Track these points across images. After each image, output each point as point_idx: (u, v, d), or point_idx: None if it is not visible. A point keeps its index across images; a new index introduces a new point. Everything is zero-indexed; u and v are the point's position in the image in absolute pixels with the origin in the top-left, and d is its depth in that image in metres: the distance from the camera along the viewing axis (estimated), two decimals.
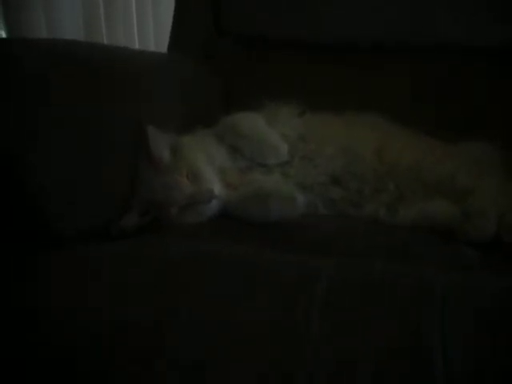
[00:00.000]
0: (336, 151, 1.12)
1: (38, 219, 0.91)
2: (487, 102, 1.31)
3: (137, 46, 2.16)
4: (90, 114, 0.98)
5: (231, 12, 1.49)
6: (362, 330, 0.67)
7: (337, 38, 1.41)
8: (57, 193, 0.92)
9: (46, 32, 2.05)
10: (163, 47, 1.63)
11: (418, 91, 1.35)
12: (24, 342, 0.73)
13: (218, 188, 1.04)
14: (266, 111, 1.19)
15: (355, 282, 0.75)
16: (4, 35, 2.07)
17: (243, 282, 0.77)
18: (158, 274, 0.78)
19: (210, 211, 1.04)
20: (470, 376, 0.64)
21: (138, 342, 0.70)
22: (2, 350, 0.73)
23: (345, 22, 1.40)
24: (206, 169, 1.06)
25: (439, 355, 0.64)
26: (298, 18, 1.41)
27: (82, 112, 0.96)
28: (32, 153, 0.88)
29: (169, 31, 1.56)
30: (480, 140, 1.10)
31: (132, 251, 0.87)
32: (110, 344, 0.71)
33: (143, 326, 0.72)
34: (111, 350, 0.70)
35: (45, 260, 0.85)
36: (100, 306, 0.74)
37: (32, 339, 0.73)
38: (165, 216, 1.02)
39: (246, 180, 1.09)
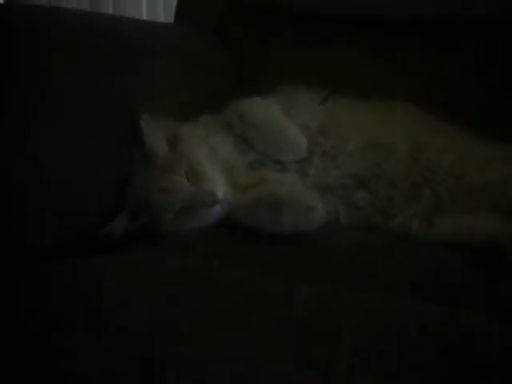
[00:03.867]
0: (363, 147, 0.95)
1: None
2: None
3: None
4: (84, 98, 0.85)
5: None
6: None
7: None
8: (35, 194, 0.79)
9: None
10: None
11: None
12: None
13: (222, 190, 0.88)
14: (282, 96, 1.01)
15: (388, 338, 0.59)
16: None
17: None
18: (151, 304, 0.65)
19: (213, 217, 0.88)
20: None
21: None
22: None
23: None
24: (208, 166, 0.90)
25: None
26: None
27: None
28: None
29: None
30: None
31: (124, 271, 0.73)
32: None
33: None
34: None
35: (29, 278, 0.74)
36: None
37: None
38: (159, 222, 0.87)
39: (256, 179, 0.92)
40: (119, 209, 0.89)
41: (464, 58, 1.18)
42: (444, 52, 1.19)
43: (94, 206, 0.87)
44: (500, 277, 0.73)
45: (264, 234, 0.82)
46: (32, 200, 0.80)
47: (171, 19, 1.42)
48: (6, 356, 0.71)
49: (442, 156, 0.92)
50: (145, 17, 1.95)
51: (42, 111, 0.81)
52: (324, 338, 0.63)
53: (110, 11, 1.94)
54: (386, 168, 0.92)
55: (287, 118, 0.97)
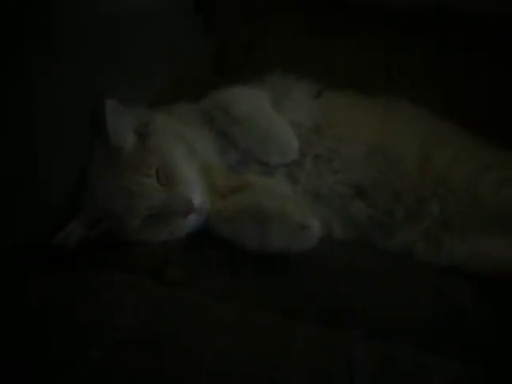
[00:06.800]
0: (363, 151, 0.83)
1: None
2: None
3: None
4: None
5: None
6: None
7: None
8: None
9: None
10: None
11: None
12: None
13: (199, 196, 0.75)
14: (271, 86, 0.87)
15: None
16: None
17: None
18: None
19: (186, 228, 0.75)
20: None
21: None
22: None
23: None
24: (184, 165, 0.76)
25: None
26: None
27: None
28: None
29: None
30: None
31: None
32: None
33: None
34: None
35: None
36: None
37: None
38: (123, 230, 0.73)
39: (238, 183, 0.79)
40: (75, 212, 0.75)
41: None
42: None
43: (46, 208, 0.73)
44: None
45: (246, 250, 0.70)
46: None
47: None
48: None
49: (453, 167, 0.80)
50: None
51: None
52: None
53: None
54: (389, 177, 0.81)
55: (277, 112, 0.83)
